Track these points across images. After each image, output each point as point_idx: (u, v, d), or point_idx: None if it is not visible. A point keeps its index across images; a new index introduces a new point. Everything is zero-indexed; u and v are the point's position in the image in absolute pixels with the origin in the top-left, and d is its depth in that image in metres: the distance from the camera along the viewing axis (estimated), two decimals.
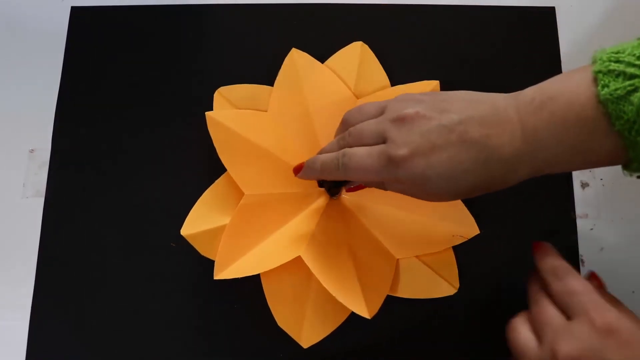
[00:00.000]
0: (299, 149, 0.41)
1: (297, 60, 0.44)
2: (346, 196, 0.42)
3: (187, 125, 0.45)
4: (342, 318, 0.39)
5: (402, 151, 0.30)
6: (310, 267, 0.38)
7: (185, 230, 0.40)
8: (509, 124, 0.30)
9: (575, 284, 0.31)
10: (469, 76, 0.46)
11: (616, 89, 0.27)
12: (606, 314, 0.29)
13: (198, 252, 0.40)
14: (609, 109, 0.27)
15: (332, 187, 0.41)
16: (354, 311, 0.37)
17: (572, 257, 0.42)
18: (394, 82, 0.45)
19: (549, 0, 0.48)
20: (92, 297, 0.42)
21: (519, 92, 0.31)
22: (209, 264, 0.41)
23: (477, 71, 0.46)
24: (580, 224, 0.43)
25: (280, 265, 0.38)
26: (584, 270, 0.42)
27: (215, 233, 0.40)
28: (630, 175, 0.30)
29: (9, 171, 0.45)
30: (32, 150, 0.45)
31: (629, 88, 0.27)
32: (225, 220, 0.40)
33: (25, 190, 0.44)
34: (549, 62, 0.46)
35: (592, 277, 0.35)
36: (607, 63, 0.28)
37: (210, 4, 0.48)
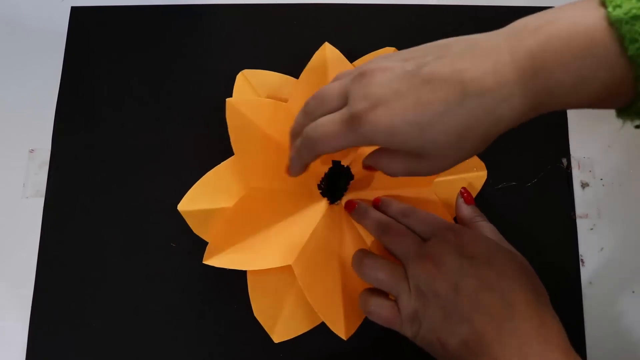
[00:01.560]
0: None
1: (327, 54, 0.43)
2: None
3: (187, 125, 0.45)
4: (318, 320, 0.39)
5: (361, 105, 0.28)
6: (297, 278, 0.38)
7: (182, 206, 0.40)
8: (493, 52, 0.26)
9: (423, 214, 0.37)
10: None
11: (631, 8, 0.23)
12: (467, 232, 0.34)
13: (198, 252, 0.40)
14: (622, 30, 0.23)
15: (328, 190, 0.41)
16: (332, 329, 0.37)
17: (572, 257, 0.42)
18: None
19: (549, 0, 0.48)
20: (92, 297, 0.42)
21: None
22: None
23: None
24: (580, 224, 0.43)
25: None
26: (584, 270, 0.42)
27: (210, 214, 0.40)
28: (624, 121, 0.27)
29: (9, 171, 0.45)
30: (32, 150, 0.45)
31: None
32: (223, 203, 0.40)
33: (25, 190, 0.44)
34: None
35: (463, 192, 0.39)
36: None
37: (210, 4, 0.48)
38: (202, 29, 0.48)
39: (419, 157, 0.29)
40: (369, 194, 0.41)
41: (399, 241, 0.35)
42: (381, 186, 0.41)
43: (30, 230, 0.43)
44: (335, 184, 0.40)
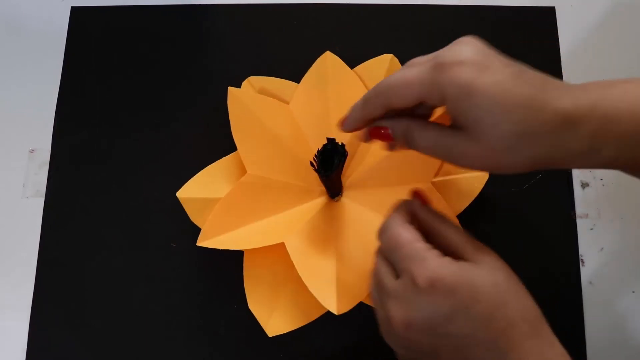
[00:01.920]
0: (311, 143, 0.42)
1: (328, 62, 0.44)
2: (346, 201, 0.41)
3: (187, 125, 0.45)
4: (313, 315, 0.39)
5: (451, 58, 0.27)
6: (290, 254, 0.37)
7: (181, 193, 0.40)
8: (577, 90, 0.27)
9: (396, 235, 0.29)
10: None
11: None
12: (426, 268, 0.27)
13: (199, 252, 0.40)
14: None
15: (321, 166, 0.40)
16: (322, 304, 0.36)
17: (572, 257, 0.42)
18: None
19: (549, 0, 0.48)
20: (92, 297, 0.42)
21: None
22: (209, 264, 0.41)
23: None
24: (580, 224, 0.43)
25: (266, 250, 0.38)
26: (584, 270, 0.42)
27: (209, 203, 0.40)
28: None
29: (9, 171, 0.45)
30: (32, 150, 0.45)
31: None
32: (222, 193, 0.41)
33: (25, 190, 0.44)
34: (549, 62, 0.46)
35: (416, 195, 0.33)
36: None
37: (210, 4, 0.48)
38: (203, 29, 0.48)
39: (463, 132, 0.28)
40: (368, 190, 0.41)
41: (372, 278, 0.31)
42: (380, 182, 0.41)
43: (30, 230, 0.43)
44: (328, 161, 0.40)
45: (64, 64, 0.47)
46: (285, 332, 0.39)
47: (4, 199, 0.44)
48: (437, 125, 0.30)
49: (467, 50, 0.27)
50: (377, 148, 0.42)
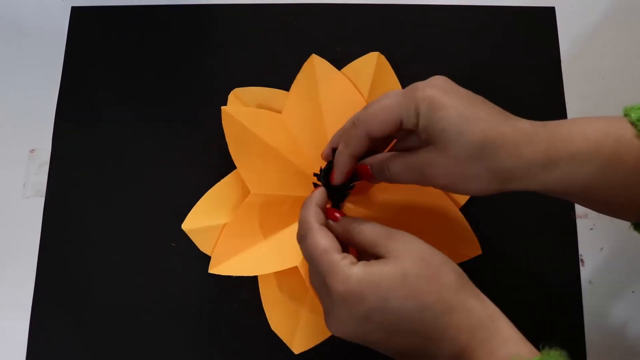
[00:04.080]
0: (309, 152, 0.41)
1: (316, 65, 0.43)
2: (350, 206, 0.41)
3: (188, 125, 0.45)
4: None
5: (422, 84, 0.31)
6: (305, 280, 0.38)
7: (186, 225, 0.40)
8: (533, 121, 0.31)
9: (314, 246, 0.31)
10: (469, 76, 0.46)
11: None
12: (337, 281, 0.29)
13: (198, 252, 0.40)
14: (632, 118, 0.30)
15: (326, 183, 0.40)
16: None
17: (572, 257, 0.42)
18: None
19: (549, 0, 0.48)
20: (92, 297, 0.42)
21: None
22: (209, 263, 0.40)
23: (477, 71, 0.46)
24: (580, 224, 0.43)
25: (279, 271, 0.38)
26: (584, 270, 0.42)
27: (215, 230, 0.40)
28: None
29: (9, 171, 0.45)
30: (32, 150, 0.45)
31: None
32: (227, 218, 0.41)
33: (25, 190, 0.44)
34: (548, 62, 0.46)
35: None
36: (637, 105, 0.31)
37: (210, 4, 0.48)
38: (203, 29, 0.48)
39: (431, 148, 0.31)
40: (371, 194, 0.41)
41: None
42: (384, 186, 0.41)
43: (30, 230, 0.43)
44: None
45: (64, 64, 0.47)
46: (310, 347, 0.39)
47: (4, 199, 0.44)
48: (407, 152, 0.32)
49: (437, 79, 0.32)
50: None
